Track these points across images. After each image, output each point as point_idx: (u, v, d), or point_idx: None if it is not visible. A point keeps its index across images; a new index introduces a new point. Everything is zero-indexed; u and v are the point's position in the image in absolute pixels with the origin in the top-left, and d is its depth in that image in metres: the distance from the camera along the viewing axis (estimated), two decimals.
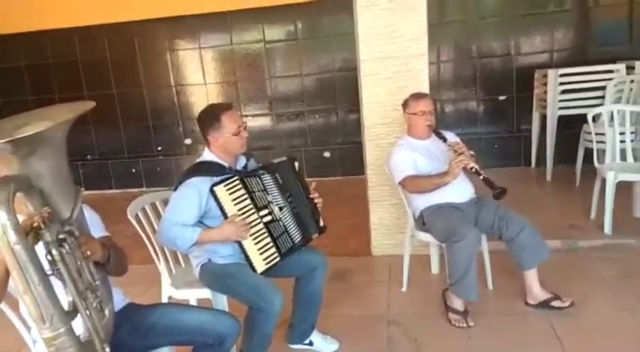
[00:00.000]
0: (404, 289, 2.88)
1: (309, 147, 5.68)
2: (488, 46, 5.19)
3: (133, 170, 5.97)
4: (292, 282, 2.28)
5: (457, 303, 2.50)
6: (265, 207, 2.09)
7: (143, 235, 2.19)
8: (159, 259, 2.24)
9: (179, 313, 1.76)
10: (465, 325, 2.44)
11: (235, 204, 2.00)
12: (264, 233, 2.06)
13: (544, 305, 2.50)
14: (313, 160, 5.61)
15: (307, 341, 2.37)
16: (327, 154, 5.64)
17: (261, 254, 2.03)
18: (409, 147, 2.71)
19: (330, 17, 5.33)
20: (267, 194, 2.12)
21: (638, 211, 3.55)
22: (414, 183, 2.61)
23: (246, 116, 5.55)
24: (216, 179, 2.00)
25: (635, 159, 3.49)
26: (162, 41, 5.69)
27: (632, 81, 4.11)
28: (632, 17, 4.86)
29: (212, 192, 1.97)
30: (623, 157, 3.44)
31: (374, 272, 3.23)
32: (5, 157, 1.17)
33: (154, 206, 2.34)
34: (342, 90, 5.45)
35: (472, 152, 2.54)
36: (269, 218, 2.09)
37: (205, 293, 2.17)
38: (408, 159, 2.66)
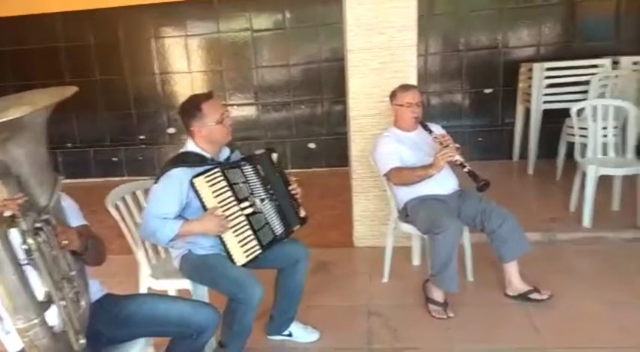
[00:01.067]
0: (385, 280, 2.90)
1: (295, 138, 5.65)
2: (476, 39, 5.20)
3: (115, 158, 5.89)
4: (274, 273, 2.27)
5: (437, 295, 2.52)
6: (246, 198, 2.07)
7: (122, 225, 2.16)
8: (138, 249, 2.22)
9: (157, 303, 1.74)
10: (444, 316, 2.47)
11: (215, 196, 1.98)
12: (245, 225, 2.04)
13: (523, 297, 2.54)
14: (298, 151, 5.59)
15: (286, 332, 2.38)
16: (312, 145, 5.62)
17: (241, 246, 2.01)
18: (395, 138, 2.71)
19: (318, 7, 5.28)
20: (249, 186, 2.10)
21: (617, 205, 3.60)
22: (399, 175, 2.61)
23: (232, 105, 5.51)
24: (198, 170, 1.98)
25: (617, 153, 3.54)
26: (148, 28, 5.59)
27: (616, 76, 4.14)
28: (618, 12, 4.90)
29: (192, 184, 1.95)
30: (605, 152, 3.49)
31: (355, 264, 3.24)
32: None
33: (133, 195, 2.31)
34: (329, 81, 5.42)
35: (458, 145, 2.55)
36: (250, 210, 2.07)
37: (185, 283, 2.15)
38: (394, 151, 2.66)
